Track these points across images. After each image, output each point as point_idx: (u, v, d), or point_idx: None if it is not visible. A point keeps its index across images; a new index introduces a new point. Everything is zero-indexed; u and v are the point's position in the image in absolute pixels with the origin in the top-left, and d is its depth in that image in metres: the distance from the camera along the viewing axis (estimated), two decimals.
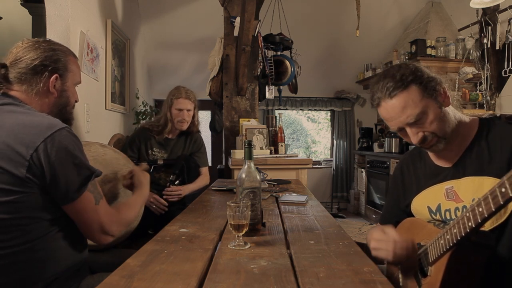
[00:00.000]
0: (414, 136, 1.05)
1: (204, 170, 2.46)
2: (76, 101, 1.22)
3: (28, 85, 1.07)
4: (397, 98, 1.03)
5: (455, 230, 0.86)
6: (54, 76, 1.10)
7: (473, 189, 1.03)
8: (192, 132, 2.40)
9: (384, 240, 1.05)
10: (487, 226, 0.99)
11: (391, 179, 1.36)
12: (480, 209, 0.78)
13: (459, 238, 0.85)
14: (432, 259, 0.95)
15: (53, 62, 1.10)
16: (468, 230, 0.82)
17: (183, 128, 2.32)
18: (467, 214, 0.82)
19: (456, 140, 1.09)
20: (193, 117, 2.37)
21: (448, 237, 0.88)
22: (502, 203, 0.73)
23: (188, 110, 2.31)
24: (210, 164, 3.05)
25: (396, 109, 1.04)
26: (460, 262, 0.90)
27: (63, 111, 1.16)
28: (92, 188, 1.05)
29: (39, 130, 0.96)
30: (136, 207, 1.30)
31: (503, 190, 0.72)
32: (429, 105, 1.03)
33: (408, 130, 1.06)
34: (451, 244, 0.87)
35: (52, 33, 2.15)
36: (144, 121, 3.54)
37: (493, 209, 0.75)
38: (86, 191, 1.02)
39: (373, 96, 1.10)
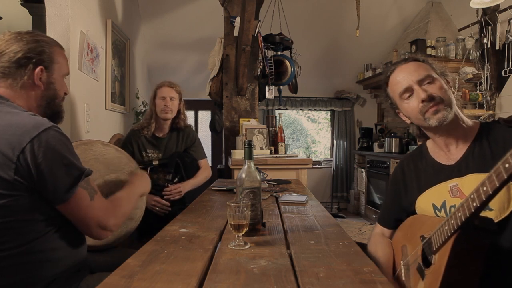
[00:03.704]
0: (422, 93, 1.10)
1: (203, 163, 2.40)
2: (65, 94, 1.18)
3: (13, 79, 1.03)
4: (412, 63, 1.16)
5: (459, 214, 0.87)
6: (39, 68, 1.06)
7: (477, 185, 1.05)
8: (181, 128, 2.35)
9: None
10: None
11: (391, 179, 1.37)
12: (485, 188, 0.80)
13: (463, 220, 0.86)
14: (436, 247, 0.96)
15: (37, 54, 1.05)
16: (473, 210, 0.83)
17: (168, 117, 2.26)
18: (472, 196, 0.83)
19: (458, 133, 1.12)
20: (179, 111, 2.31)
21: (452, 221, 0.89)
22: (506, 177, 0.75)
23: (172, 99, 2.24)
24: (210, 164, 3.03)
25: (409, 68, 1.15)
26: (464, 245, 0.91)
27: (52, 104, 1.12)
28: (85, 185, 1.02)
29: (25, 130, 0.92)
30: (131, 198, 1.26)
31: (506, 166, 0.74)
32: (438, 78, 1.13)
33: (417, 88, 1.11)
34: (456, 228, 0.88)
35: (52, 33, 2.15)
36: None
37: (498, 185, 0.76)
38: (78, 189, 0.99)
39: (388, 68, 1.21)
